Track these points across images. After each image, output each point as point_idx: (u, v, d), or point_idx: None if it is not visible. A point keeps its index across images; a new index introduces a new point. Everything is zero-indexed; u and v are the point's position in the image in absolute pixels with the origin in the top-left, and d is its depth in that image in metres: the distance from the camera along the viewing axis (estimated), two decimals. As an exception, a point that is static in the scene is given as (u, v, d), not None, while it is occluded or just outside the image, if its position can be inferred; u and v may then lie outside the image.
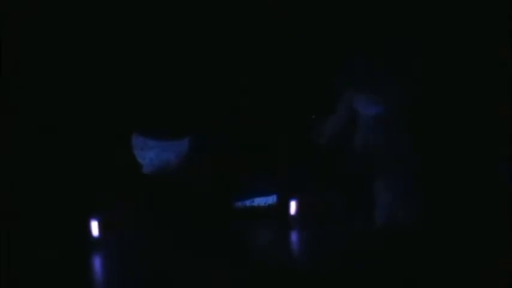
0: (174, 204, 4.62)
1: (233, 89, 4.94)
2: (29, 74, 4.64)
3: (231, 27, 4.92)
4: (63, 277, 3.94)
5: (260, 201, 4.80)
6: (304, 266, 4.00)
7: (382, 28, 4.85)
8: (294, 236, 4.60)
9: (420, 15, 4.87)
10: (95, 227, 4.39)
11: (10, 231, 4.21)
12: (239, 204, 4.76)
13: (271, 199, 4.81)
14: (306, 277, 3.83)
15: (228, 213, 4.72)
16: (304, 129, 4.94)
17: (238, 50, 4.94)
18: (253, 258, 4.12)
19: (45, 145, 4.65)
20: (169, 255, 4.21)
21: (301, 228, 4.64)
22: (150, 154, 4.71)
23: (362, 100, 4.67)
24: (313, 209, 4.70)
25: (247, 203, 4.77)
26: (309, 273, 3.88)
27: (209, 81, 4.88)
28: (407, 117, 4.77)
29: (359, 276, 3.81)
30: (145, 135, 4.72)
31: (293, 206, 4.73)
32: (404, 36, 4.83)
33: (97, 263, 4.28)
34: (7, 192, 4.44)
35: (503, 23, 4.79)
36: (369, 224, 4.45)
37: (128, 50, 4.74)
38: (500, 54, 4.79)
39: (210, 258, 4.11)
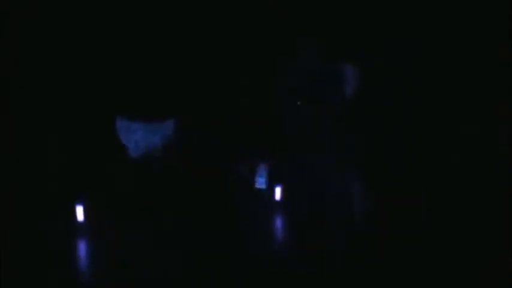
0: (162, 191, 4.66)
1: (233, 89, 4.95)
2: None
3: (230, 26, 4.92)
4: (48, 261, 4.02)
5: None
6: (302, 266, 4.00)
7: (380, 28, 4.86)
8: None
9: (420, 15, 4.88)
10: (79, 212, 4.44)
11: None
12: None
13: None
14: (305, 277, 3.83)
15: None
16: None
17: (238, 50, 4.94)
18: (251, 256, 4.12)
19: (30, 131, 4.72)
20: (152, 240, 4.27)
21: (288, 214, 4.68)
22: (136, 136, 4.72)
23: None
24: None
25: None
26: (308, 273, 3.88)
27: (206, 78, 4.89)
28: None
29: (359, 276, 3.82)
30: (130, 117, 4.73)
31: (278, 192, 4.77)
32: (404, 36, 4.84)
33: (81, 247, 4.33)
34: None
35: (503, 23, 4.80)
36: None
37: (120, 41, 4.76)
38: (500, 54, 4.80)
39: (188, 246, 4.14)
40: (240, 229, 4.50)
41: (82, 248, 4.32)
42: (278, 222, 4.71)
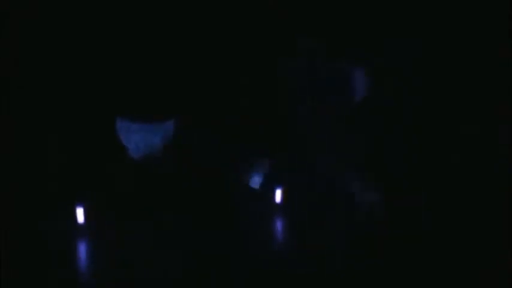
0: (162, 191, 4.66)
1: (233, 89, 4.95)
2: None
3: (230, 26, 4.92)
4: (48, 261, 4.04)
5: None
6: (302, 266, 4.00)
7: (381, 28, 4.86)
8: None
9: (420, 15, 4.88)
10: (80, 214, 4.43)
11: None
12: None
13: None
14: (305, 277, 3.83)
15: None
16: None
17: (238, 50, 4.94)
18: (251, 256, 4.12)
19: (29, 131, 4.72)
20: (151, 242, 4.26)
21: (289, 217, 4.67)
22: (136, 137, 4.71)
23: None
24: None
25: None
26: (308, 273, 3.88)
27: (205, 78, 4.89)
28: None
29: (359, 276, 3.82)
30: (129, 118, 4.73)
31: (278, 194, 4.75)
32: (404, 36, 4.84)
33: (82, 249, 4.32)
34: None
35: (503, 23, 4.80)
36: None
37: (120, 41, 4.76)
38: (500, 54, 4.80)
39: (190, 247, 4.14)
40: (240, 229, 4.50)
41: (82, 248, 4.32)
42: (278, 222, 4.71)
